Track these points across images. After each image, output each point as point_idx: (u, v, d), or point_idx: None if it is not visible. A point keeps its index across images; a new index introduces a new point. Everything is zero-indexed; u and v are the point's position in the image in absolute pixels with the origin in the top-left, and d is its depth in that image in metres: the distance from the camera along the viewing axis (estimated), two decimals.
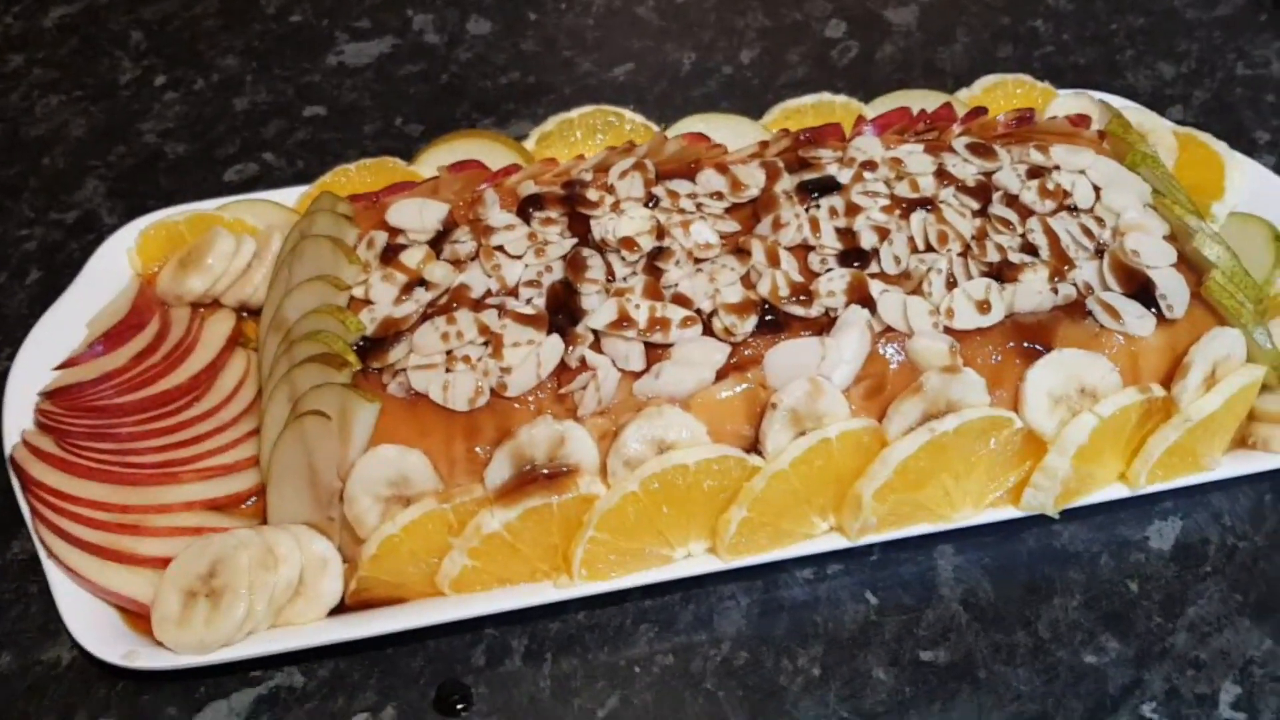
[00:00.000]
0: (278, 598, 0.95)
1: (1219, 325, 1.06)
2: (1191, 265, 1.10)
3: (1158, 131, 1.33)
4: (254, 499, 1.04)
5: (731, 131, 1.29)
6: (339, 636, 0.96)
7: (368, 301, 1.04)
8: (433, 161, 1.26)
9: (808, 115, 1.35)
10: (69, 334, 1.12)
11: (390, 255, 1.07)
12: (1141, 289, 1.07)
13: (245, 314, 1.18)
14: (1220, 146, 1.32)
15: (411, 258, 1.06)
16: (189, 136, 1.42)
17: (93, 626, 0.95)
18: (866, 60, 1.56)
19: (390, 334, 1.02)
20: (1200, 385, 1.04)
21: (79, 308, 1.15)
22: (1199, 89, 1.52)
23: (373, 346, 1.01)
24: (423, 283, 1.05)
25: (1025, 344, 1.03)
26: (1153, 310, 1.06)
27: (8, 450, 1.03)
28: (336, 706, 0.97)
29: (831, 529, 1.03)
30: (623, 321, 1.00)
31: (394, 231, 1.09)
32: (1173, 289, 1.07)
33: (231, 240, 1.17)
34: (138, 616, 0.97)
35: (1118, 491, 1.06)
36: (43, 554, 0.98)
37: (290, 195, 1.25)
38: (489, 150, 1.25)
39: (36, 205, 1.35)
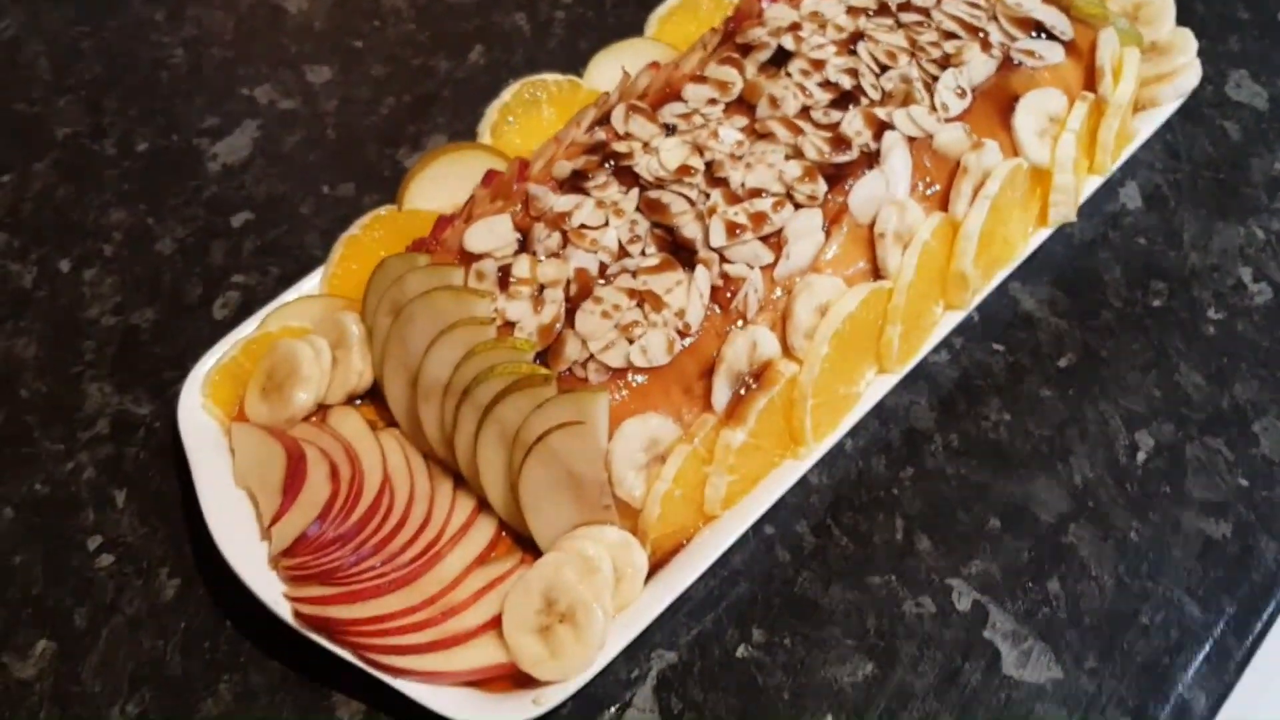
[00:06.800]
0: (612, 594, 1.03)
1: (1099, 31, 1.34)
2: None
3: None
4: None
5: (637, 56, 1.40)
6: (686, 582, 1.04)
7: (509, 324, 1.10)
8: (418, 194, 1.29)
9: (678, 16, 1.50)
10: (230, 502, 1.10)
11: (505, 276, 1.12)
12: (1037, 28, 1.33)
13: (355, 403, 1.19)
14: None
15: (522, 270, 1.12)
16: (150, 307, 1.33)
17: (478, 712, 0.98)
18: None
19: (554, 340, 1.08)
20: (1112, 78, 1.32)
21: (210, 478, 1.11)
22: None
23: (546, 356, 1.08)
24: (541, 288, 1.11)
25: (996, 106, 1.27)
26: (1053, 40, 1.32)
27: (288, 621, 1.02)
28: (730, 645, 1.07)
29: (943, 311, 1.23)
30: (735, 231, 1.13)
31: (476, 258, 1.14)
32: (1055, 20, 1.34)
33: (306, 345, 1.17)
34: (496, 680, 1.01)
35: (1095, 183, 1.33)
36: (394, 682, 0.98)
37: (311, 282, 1.25)
38: (466, 161, 1.30)
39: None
